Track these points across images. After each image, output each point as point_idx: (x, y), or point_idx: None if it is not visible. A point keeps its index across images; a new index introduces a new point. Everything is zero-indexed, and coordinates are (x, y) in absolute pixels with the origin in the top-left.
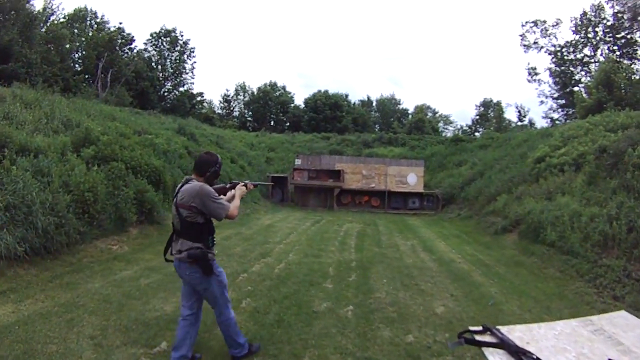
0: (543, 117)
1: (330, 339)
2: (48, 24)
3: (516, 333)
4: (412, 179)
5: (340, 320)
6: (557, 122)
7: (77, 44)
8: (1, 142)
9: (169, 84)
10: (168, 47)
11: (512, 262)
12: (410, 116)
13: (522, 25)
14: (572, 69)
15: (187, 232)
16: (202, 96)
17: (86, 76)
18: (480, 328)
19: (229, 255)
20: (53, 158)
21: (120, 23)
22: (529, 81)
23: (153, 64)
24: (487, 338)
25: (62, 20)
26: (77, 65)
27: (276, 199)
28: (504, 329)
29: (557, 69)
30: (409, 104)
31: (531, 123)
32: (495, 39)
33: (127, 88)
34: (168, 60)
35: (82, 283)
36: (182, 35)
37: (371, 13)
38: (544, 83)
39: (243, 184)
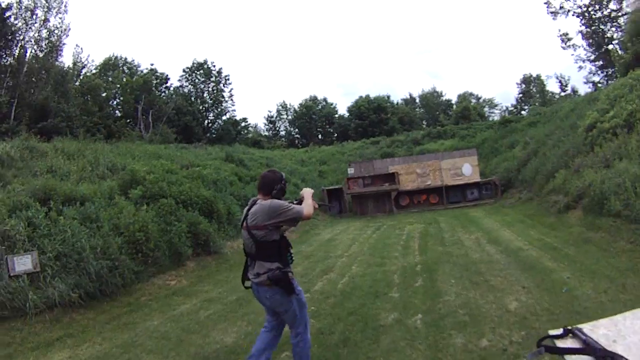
0: (585, 83)
1: (399, 354)
2: (81, 77)
3: (600, 331)
4: (467, 169)
5: (409, 331)
6: (599, 84)
7: (114, 90)
8: (46, 195)
9: (211, 115)
10: (203, 79)
11: (580, 240)
12: (454, 106)
13: None
14: (602, 27)
15: (263, 252)
16: (246, 121)
17: (128, 120)
18: (561, 331)
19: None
20: (100, 203)
21: (152, 64)
22: (563, 48)
23: (192, 97)
24: (569, 343)
25: (94, 71)
26: (117, 112)
27: (334, 211)
28: (586, 328)
29: (588, 30)
30: (451, 95)
31: (574, 91)
32: (522, 11)
33: (169, 125)
34: (205, 92)
35: (140, 322)
36: (214, 66)
37: (398, 10)
38: (579, 47)
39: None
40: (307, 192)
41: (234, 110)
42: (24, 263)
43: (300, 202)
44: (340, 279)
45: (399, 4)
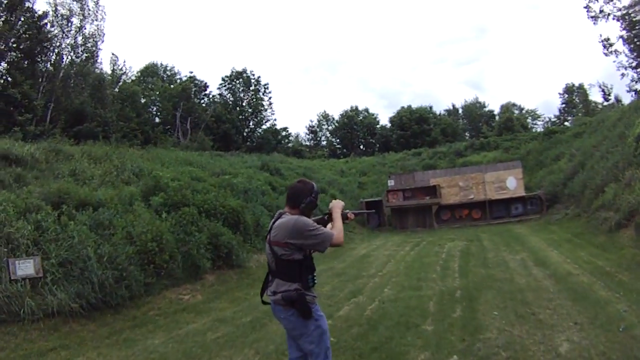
0: (628, 91)
1: None
2: (120, 84)
3: None
4: (512, 182)
5: None
6: None
7: (152, 97)
8: (60, 199)
9: (251, 124)
10: (242, 88)
11: (634, 264)
12: (497, 117)
13: None
14: None
15: (283, 271)
16: (287, 130)
17: (167, 127)
18: None
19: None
20: (117, 209)
21: (191, 72)
22: (605, 54)
23: (231, 106)
24: None
25: (133, 78)
26: (156, 118)
27: (373, 224)
28: None
29: (629, 34)
30: (493, 105)
31: (617, 100)
32: (561, 18)
33: (208, 133)
34: (245, 100)
35: (141, 339)
36: (253, 74)
37: (438, 22)
38: (620, 53)
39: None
40: (336, 207)
41: (274, 120)
42: (25, 267)
43: (329, 216)
44: (370, 304)
45: (438, 16)
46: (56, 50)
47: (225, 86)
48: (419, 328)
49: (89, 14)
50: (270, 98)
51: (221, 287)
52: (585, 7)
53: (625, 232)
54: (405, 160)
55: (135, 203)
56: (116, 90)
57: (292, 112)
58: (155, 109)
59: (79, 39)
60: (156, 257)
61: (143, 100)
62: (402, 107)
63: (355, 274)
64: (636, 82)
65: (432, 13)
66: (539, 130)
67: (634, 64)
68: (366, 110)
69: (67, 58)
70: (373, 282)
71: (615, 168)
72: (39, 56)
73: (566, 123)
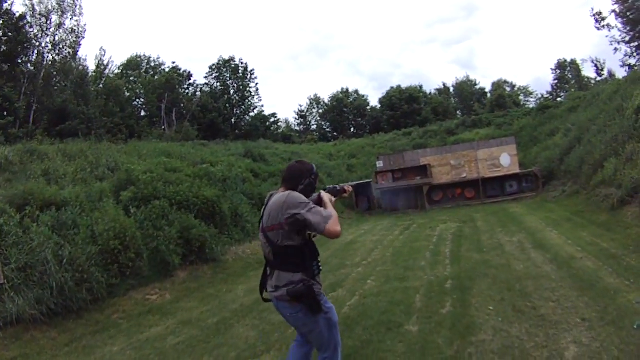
0: (621, 66)
1: None
2: (104, 79)
3: None
4: (506, 159)
5: None
6: (635, 67)
7: (137, 90)
8: (25, 200)
9: (239, 111)
10: (229, 75)
11: None
12: (489, 95)
13: None
14: (636, 4)
15: (283, 261)
16: (275, 116)
17: (153, 119)
18: None
19: None
20: (83, 207)
21: (174, 62)
22: (597, 29)
23: (218, 95)
24: None
25: (116, 72)
26: (142, 111)
27: (362, 207)
28: None
29: (622, 7)
30: (485, 83)
31: (611, 75)
32: None
33: (195, 123)
34: (232, 88)
35: (101, 346)
36: (241, 62)
37: (426, 3)
38: (613, 28)
39: (334, 187)
40: (325, 198)
41: (262, 106)
42: None
43: (318, 201)
44: (349, 299)
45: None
46: (37, 50)
47: (212, 75)
48: (402, 329)
49: (67, 9)
50: (257, 84)
51: (193, 283)
52: None
53: (630, 209)
54: (396, 140)
55: (105, 199)
56: (100, 86)
57: (283, 99)
58: (140, 102)
59: (59, 35)
60: (120, 255)
61: (127, 94)
62: (392, 87)
63: (338, 264)
64: (629, 56)
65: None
66: (531, 107)
67: (627, 38)
68: (356, 92)
69: (49, 57)
70: (356, 272)
71: (614, 142)
72: (20, 57)
73: (559, 99)
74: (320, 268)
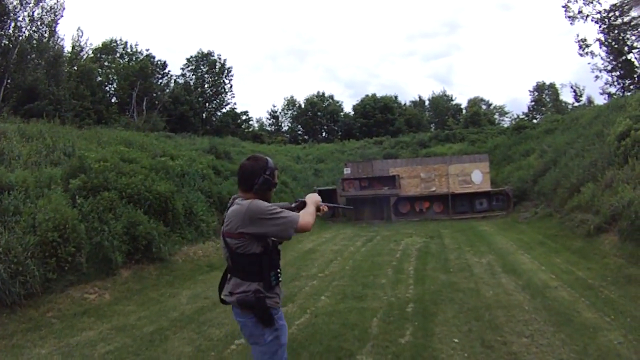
0: (601, 94)
1: None
2: (80, 60)
3: None
4: (477, 176)
5: None
6: (614, 96)
7: (110, 75)
8: None
9: (211, 106)
10: (206, 70)
11: (622, 277)
12: (464, 111)
13: None
14: (622, 35)
15: (240, 268)
16: (247, 114)
17: (125, 107)
18: None
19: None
20: (30, 194)
21: (147, 49)
22: (580, 55)
23: (192, 88)
24: None
25: (90, 55)
26: (113, 97)
27: (326, 214)
28: None
29: (607, 37)
30: (461, 100)
31: (590, 101)
32: (535, 20)
33: (165, 114)
34: (207, 83)
35: (30, 347)
36: (219, 57)
37: (408, 17)
38: (596, 56)
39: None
40: (310, 199)
41: (234, 103)
42: None
43: (300, 206)
44: (299, 317)
45: (409, 10)
46: (13, 24)
47: (189, 67)
48: (353, 359)
49: None
50: (231, 81)
51: (136, 284)
52: (563, 7)
53: (607, 237)
54: (366, 148)
55: (53, 186)
56: (75, 68)
57: (259, 98)
58: (112, 87)
59: (37, 11)
60: (59, 248)
61: (99, 79)
62: (367, 95)
63: (292, 274)
64: (610, 84)
65: (404, 6)
66: (506, 126)
67: (609, 67)
68: (331, 97)
69: (25, 32)
70: (310, 285)
71: (593, 167)
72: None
73: (534, 121)
74: (280, 279)
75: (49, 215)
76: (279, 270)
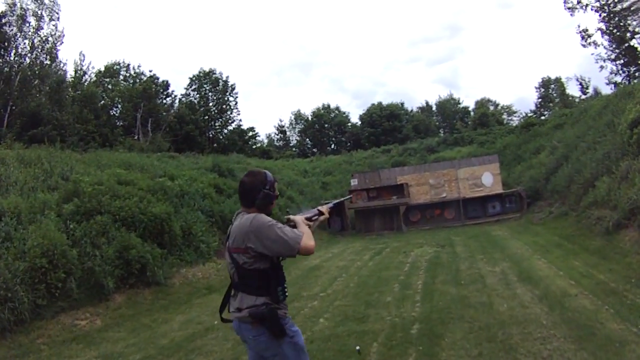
0: (607, 84)
1: None
2: (84, 85)
3: None
4: (488, 178)
5: None
6: (620, 85)
7: (114, 99)
8: None
9: (217, 125)
10: (209, 88)
11: None
12: (472, 113)
13: None
14: (623, 21)
15: (247, 283)
16: (254, 131)
17: (131, 129)
18: None
19: (227, 326)
20: (23, 220)
21: (151, 71)
22: (583, 46)
23: (197, 107)
24: None
25: (94, 79)
26: (119, 120)
27: (335, 227)
28: None
29: (608, 25)
30: (468, 102)
31: (597, 92)
32: (536, 15)
33: (171, 134)
34: (212, 101)
35: None
36: (221, 75)
37: (410, 23)
38: (599, 46)
39: (314, 212)
40: (299, 219)
41: (240, 120)
42: None
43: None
44: None
45: (410, 16)
46: (13, 51)
47: (192, 86)
48: None
49: (44, 14)
50: (236, 98)
51: (129, 310)
52: None
53: (627, 233)
54: (374, 157)
55: (46, 211)
56: (78, 92)
57: (266, 114)
58: (119, 110)
59: (37, 39)
60: (48, 274)
61: (102, 102)
62: (373, 104)
63: (293, 294)
64: (615, 74)
65: (405, 13)
66: (515, 125)
67: (612, 56)
68: (337, 108)
69: (27, 60)
70: (310, 307)
71: (606, 159)
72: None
73: (542, 117)
74: (287, 294)
75: (37, 241)
76: (285, 285)
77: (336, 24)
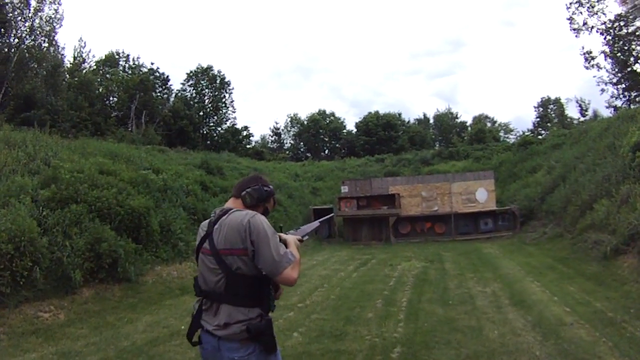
0: (607, 107)
1: None
2: (83, 72)
3: None
4: (482, 195)
5: None
6: (620, 109)
7: (111, 88)
8: None
9: (211, 122)
10: (206, 84)
11: None
12: (469, 128)
13: (567, 8)
14: (627, 46)
15: (238, 292)
16: (248, 130)
17: (126, 119)
18: None
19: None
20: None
21: (152, 63)
22: (586, 67)
23: (192, 103)
24: None
25: (93, 67)
26: (113, 110)
27: (323, 234)
28: None
29: (612, 48)
30: (466, 117)
31: (596, 115)
32: (538, 36)
33: (165, 128)
34: (206, 97)
35: None
36: (219, 72)
37: (413, 35)
38: (602, 69)
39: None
40: (291, 240)
41: (234, 119)
42: None
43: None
44: None
45: (413, 29)
46: (14, 33)
47: (189, 82)
48: None
49: None
50: (231, 96)
51: (96, 305)
52: (568, 19)
53: (625, 260)
54: (367, 166)
55: (22, 196)
56: (75, 79)
57: (263, 115)
58: (115, 100)
59: (36, 21)
60: (14, 262)
61: (100, 90)
62: (370, 113)
63: None
64: (616, 98)
65: (408, 25)
66: (512, 142)
67: (614, 80)
68: (332, 114)
69: (26, 41)
70: (286, 317)
71: (606, 182)
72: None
73: (540, 137)
74: (275, 306)
75: (5, 225)
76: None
77: (339, 32)
